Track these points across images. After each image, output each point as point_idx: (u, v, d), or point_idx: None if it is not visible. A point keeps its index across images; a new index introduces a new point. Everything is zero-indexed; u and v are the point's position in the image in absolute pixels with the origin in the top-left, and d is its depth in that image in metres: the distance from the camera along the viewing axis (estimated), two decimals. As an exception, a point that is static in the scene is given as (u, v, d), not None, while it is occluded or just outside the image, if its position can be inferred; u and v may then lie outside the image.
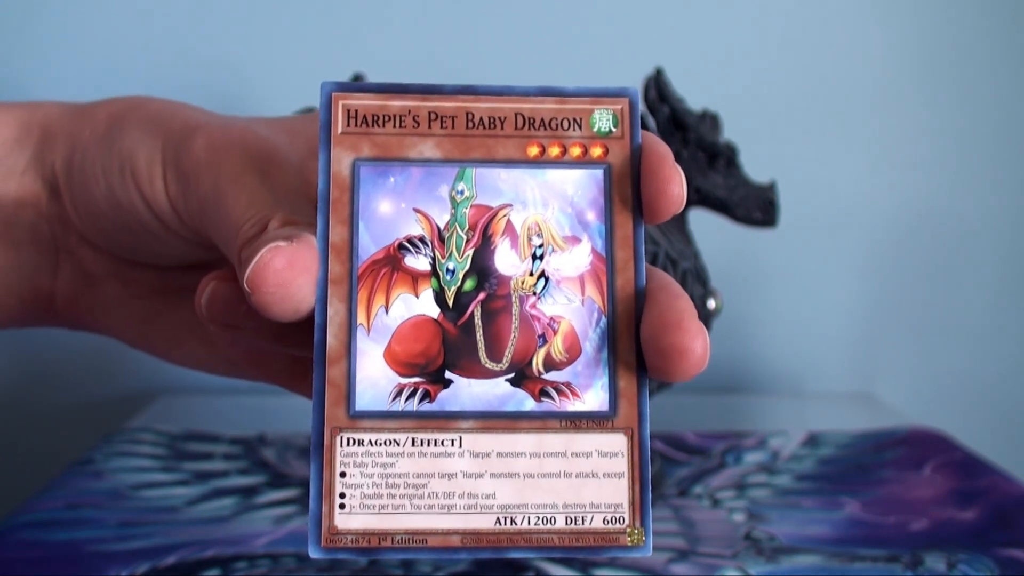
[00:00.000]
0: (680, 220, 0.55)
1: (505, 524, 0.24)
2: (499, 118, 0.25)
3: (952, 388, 0.86)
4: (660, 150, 0.25)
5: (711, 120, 0.56)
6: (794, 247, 0.82)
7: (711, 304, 0.53)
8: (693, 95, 0.57)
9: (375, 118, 0.25)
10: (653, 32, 0.80)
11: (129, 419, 0.69)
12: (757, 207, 0.56)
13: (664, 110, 0.54)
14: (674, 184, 0.24)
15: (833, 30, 0.83)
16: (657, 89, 0.54)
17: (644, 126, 0.55)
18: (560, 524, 0.24)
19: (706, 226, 0.62)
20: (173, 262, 0.31)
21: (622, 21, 0.80)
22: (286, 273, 0.23)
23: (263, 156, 0.27)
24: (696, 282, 0.52)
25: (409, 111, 0.25)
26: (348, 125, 0.25)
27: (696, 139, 0.55)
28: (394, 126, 0.25)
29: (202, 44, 0.79)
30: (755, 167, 0.61)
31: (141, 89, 0.81)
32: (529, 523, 0.24)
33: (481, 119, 0.25)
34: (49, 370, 0.80)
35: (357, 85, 0.25)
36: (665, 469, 0.58)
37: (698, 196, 0.55)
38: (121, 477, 0.55)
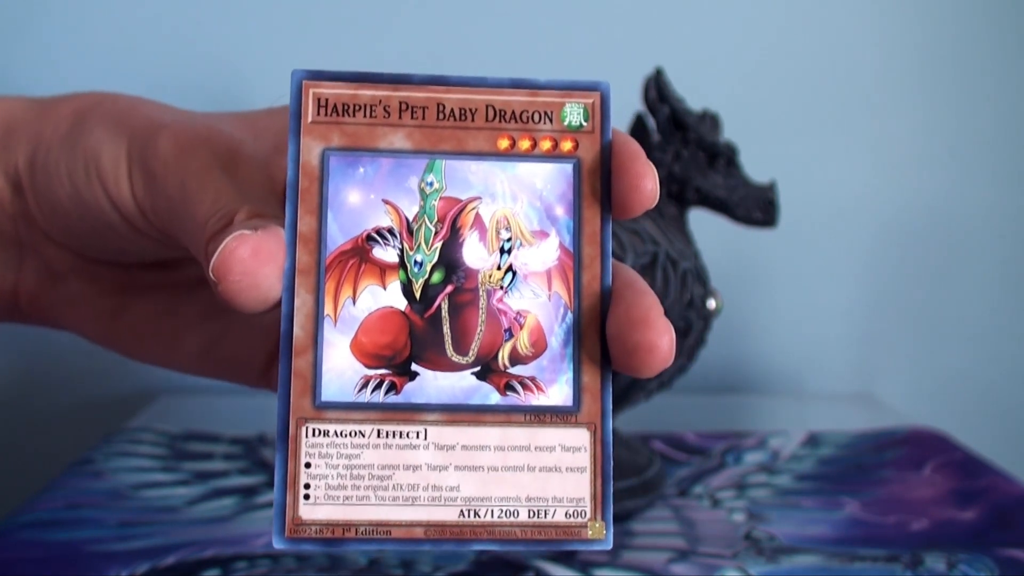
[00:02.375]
0: (680, 220, 0.55)
1: (468, 516, 0.24)
2: (470, 110, 0.25)
3: (952, 388, 0.86)
4: (632, 146, 0.25)
5: (711, 120, 0.56)
6: (794, 247, 0.82)
7: (711, 304, 0.53)
8: (693, 95, 0.57)
9: (345, 107, 0.25)
10: (653, 32, 0.80)
11: (129, 419, 0.69)
12: (757, 207, 0.56)
13: (664, 110, 0.54)
14: (647, 179, 0.24)
15: (833, 30, 0.83)
16: (657, 89, 0.54)
17: (643, 126, 0.55)
18: (523, 517, 0.24)
19: (706, 226, 0.62)
20: (138, 260, 0.31)
21: (622, 21, 0.80)
22: (251, 261, 0.23)
23: (228, 153, 0.27)
24: (696, 282, 0.52)
25: (380, 101, 0.25)
26: (318, 114, 0.24)
27: (696, 139, 0.55)
28: (364, 116, 0.25)
29: (201, 43, 0.79)
30: (755, 167, 0.61)
31: (141, 88, 0.82)
32: (492, 516, 0.24)
33: (452, 110, 0.25)
34: (49, 370, 0.80)
35: (328, 73, 0.25)
36: (665, 469, 0.58)
37: (698, 196, 0.55)
38: (121, 477, 0.55)
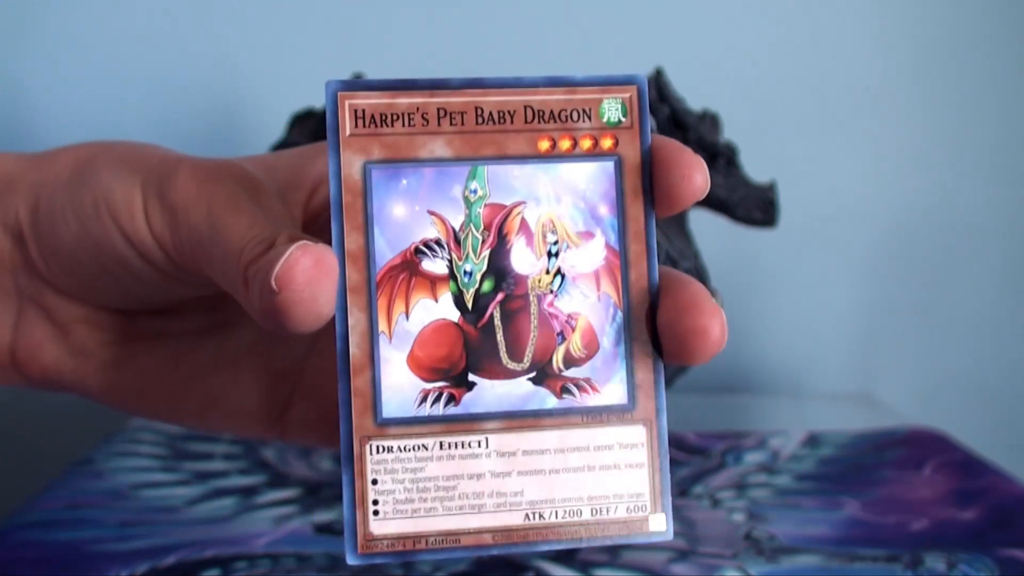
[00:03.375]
0: (680, 220, 0.55)
1: (534, 519, 0.24)
2: (508, 112, 0.25)
3: (952, 388, 0.86)
4: (673, 141, 0.25)
5: (711, 120, 0.56)
6: (794, 247, 0.82)
7: (711, 304, 0.53)
8: (693, 95, 0.57)
9: (383, 117, 0.24)
10: (653, 32, 0.80)
11: (129, 419, 0.69)
12: (757, 207, 0.56)
13: (664, 110, 0.54)
14: (697, 171, 0.25)
15: (833, 30, 0.83)
16: (657, 89, 0.54)
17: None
18: (586, 516, 0.24)
19: (706, 226, 0.62)
20: (147, 305, 0.30)
21: (622, 21, 0.80)
22: (313, 271, 0.22)
23: (251, 185, 0.27)
24: (696, 282, 0.52)
25: (417, 108, 0.24)
26: (356, 126, 0.24)
27: (696, 139, 0.55)
28: (403, 125, 0.24)
29: (202, 44, 0.79)
30: (755, 167, 0.61)
31: (141, 89, 0.82)
32: (557, 517, 0.24)
33: (490, 114, 0.25)
34: (49, 370, 0.80)
35: (363, 83, 0.24)
36: (665, 469, 0.58)
37: (698, 196, 0.55)
38: (121, 477, 0.55)
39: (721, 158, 0.55)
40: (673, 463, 0.60)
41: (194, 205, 0.26)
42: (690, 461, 0.60)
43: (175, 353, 0.31)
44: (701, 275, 0.53)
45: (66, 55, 0.78)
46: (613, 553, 0.46)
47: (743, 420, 0.73)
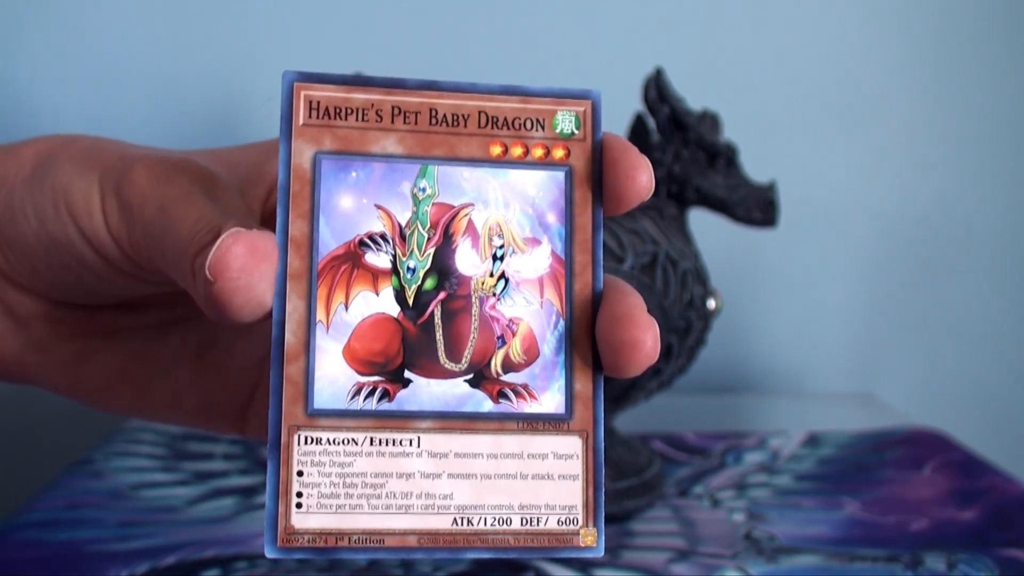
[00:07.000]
0: (680, 220, 0.55)
1: (462, 525, 0.24)
2: (462, 115, 0.25)
3: (952, 388, 0.86)
4: (622, 141, 0.25)
5: (711, 120, 0.56)
6: (794, 247, 0.82)
7: (711, 304, 0.53)
8: (693, 95, 0.57)
9: (337, 111, 0.24)
10: (653, 32, 0.80)
11: (129, 419, 0.69)
12: (757, 207, 0.56)
13: (664, 110, 0.54)
14: (642, 171, 0.24)
15: (833, 30, 0.83)
16: (657, 89, 0.54)
17: (643, 126, 0.55)
18: (516, 525, 0.24)
19: (706, 226, 0.62)
20: (107, 300, 0.30)
21: (623, 20, 0.80)
22: (247, 258, 0.22)
23: (206, 181, 0.27)
24: (696, 282, 0.52)
25: (372, 105, 0.25)
26: (310, 117, 0.24)
27: (696, 139, 0.54)
28: (357, 119, 0.24)
29: (203, 42, 0.79)
30: (755, 167, 0.61)
31: (139, 89, 0.82)
32: (485, 524, 0.24)
33: (444, 116, 0.25)
34: (49, 370, 0.80)
35: (320, 75, 0.25)
36: (665, 469, 0.58)
37: (698, 196, 0.55)
38: (121, 477, 0.55)
39: (721, 158, 0.55)
40: (673, 463, 0.60)
41: (149, 201, 0.26)
42: (690, 461, 0.60)
43: (137, 348, 0.31)
44: (701, 275, 0.53)
45: (66, 54, 0.78)
46: (613, 553, 0.46)
47: (743, 420, 0.73)
